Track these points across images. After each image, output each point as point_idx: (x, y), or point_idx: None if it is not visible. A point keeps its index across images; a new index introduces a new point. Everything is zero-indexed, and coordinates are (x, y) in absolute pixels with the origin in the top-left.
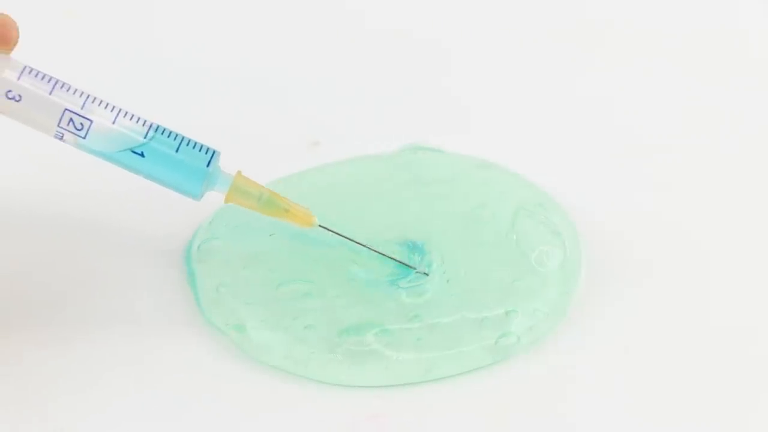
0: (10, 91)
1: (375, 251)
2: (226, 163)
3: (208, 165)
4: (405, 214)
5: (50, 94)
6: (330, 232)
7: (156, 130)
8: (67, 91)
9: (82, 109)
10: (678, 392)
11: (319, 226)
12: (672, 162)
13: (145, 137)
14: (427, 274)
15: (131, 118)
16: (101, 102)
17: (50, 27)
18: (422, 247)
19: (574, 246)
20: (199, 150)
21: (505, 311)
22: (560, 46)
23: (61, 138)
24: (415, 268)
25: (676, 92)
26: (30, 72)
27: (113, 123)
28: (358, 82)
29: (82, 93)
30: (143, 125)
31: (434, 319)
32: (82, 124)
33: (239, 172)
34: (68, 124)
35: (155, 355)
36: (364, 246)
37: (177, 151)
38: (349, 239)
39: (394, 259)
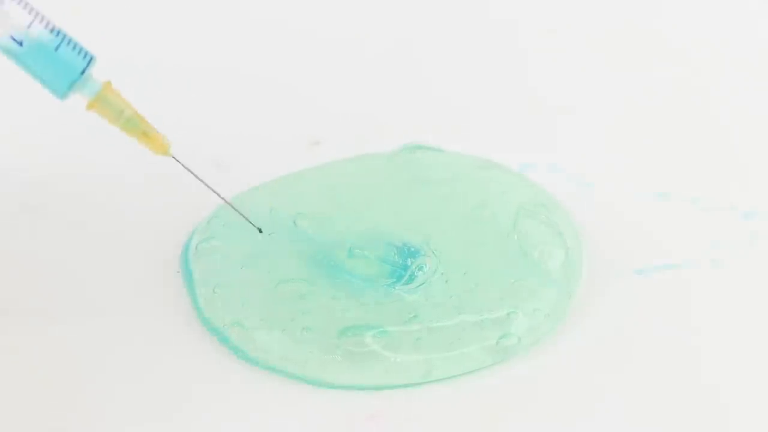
0: None
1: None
2: (227, 163)
3: (83, 72)
4: (405, 214)
5: None
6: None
7: (41, 21)
8: None
9: None
10: (680, 393)
11: (173, 158)
12: (674, 162)
13: (28, 27)
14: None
15: (19, 2)
16: None
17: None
18: (417, 250)
19: (576, 246)
20: (78, 53)
21: (505, 312)
22: (561, 46)
23: None
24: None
25: (679, 93)
26: None
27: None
28: (358, 82)
29: None
30: (30, 13)
31: (434, 320)
32: None
33: (108, 83)
34: None
35: (152, 356)
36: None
37: (57, 49)
38: (218, 194)
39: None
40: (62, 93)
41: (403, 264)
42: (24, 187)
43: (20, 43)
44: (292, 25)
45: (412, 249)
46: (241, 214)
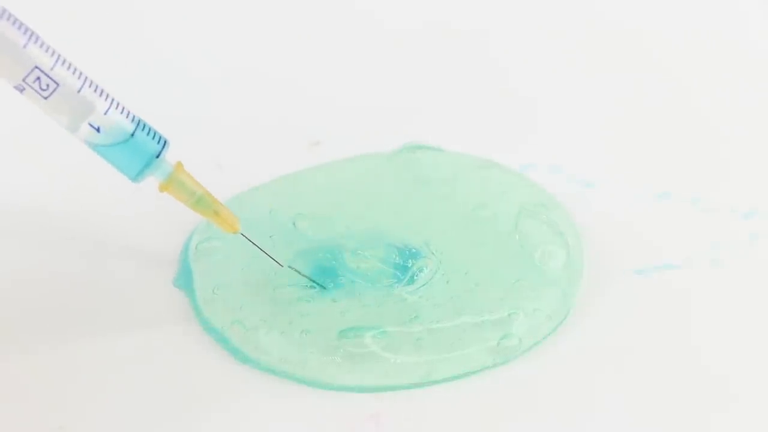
0: None
1: (292, 268)
2: (227, 163)
3: (158, 155)
4: (405, 214)
5: (24, 47)
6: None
7: (118, 107)
8: (41, 46)
9: (51, 70)
10: (680, 393)
11: (241, 234)
12: (674, 162)
13: (105, 113)
14: (324, 287)
15: (96, 90)
16: (70, 66)
17: (53, 28)
18: (418, 251)
19: (577, 246)
20: (153, 137)
21: (506, 312)
22: (561, 46)
23: (22, 91)
24: (325, 287)
25: (679, 93)
26: (9, 18)
27: (78, 92)
28: (358, 82)
29: (54, 52)
30: (106, 99)
31: (434, 321)
32: (48, 85)
33: (179, 164)
34: (34, 82)
35: (152, 356)
36: (278, 263)
37: (133, 135)
38: (267, 254)
39: (305, 276)
40: (134, 176)
41: (403, 265)
42: (24, 187)
43: (98, 130)
44: (292, 25)
45: (413, 250)
46: (306, 275)
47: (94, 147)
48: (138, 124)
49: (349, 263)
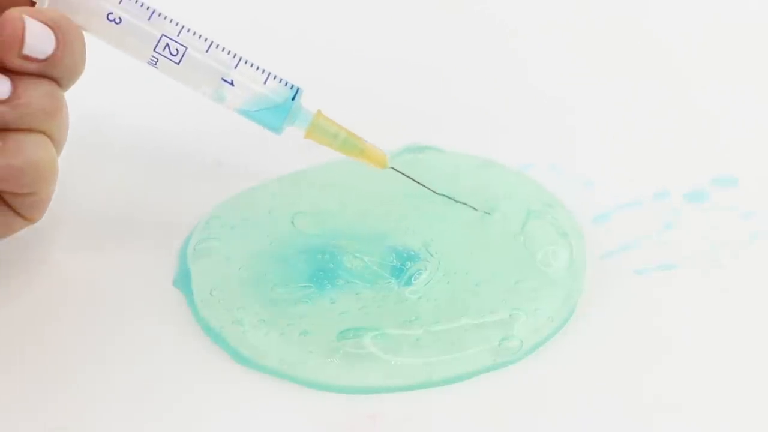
0: (111, 13)
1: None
2: (227, 163)
3: (293, 99)
4: (406, 214)
5: (149, 19)
6: (403, 176)
7: (246, 63)
8: (164, 19)
9: (178, 36)
10: (681, 394)
11: (391, 168)
12: (673, 162)
13: (235, 68)
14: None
15: (222, 50)
16: (194, 33)
17: None
18: (417, 253)
19: (580, 247)
20: (285, 85)
21: (508, 314)
22: (561, 46)
23: (155, 64)
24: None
25: (679, 93)
26: None
27: (206, 52)
28: (358, 82)
29: (178, 23)
30: (234, 57)
31: (435, 322)
32: (177, 50)
33: (319, 111)
34: (164, 50)
35: (150, 357)
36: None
37: (264, 83)
38: (426, 187)
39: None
40: (278, 127)
41: (400, 268)
42: None
43: (231, 83)
44: (291, 25)
45: (411, 252)
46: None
47: (229, 104)
48: (268, 75)
49: (347, 265)
